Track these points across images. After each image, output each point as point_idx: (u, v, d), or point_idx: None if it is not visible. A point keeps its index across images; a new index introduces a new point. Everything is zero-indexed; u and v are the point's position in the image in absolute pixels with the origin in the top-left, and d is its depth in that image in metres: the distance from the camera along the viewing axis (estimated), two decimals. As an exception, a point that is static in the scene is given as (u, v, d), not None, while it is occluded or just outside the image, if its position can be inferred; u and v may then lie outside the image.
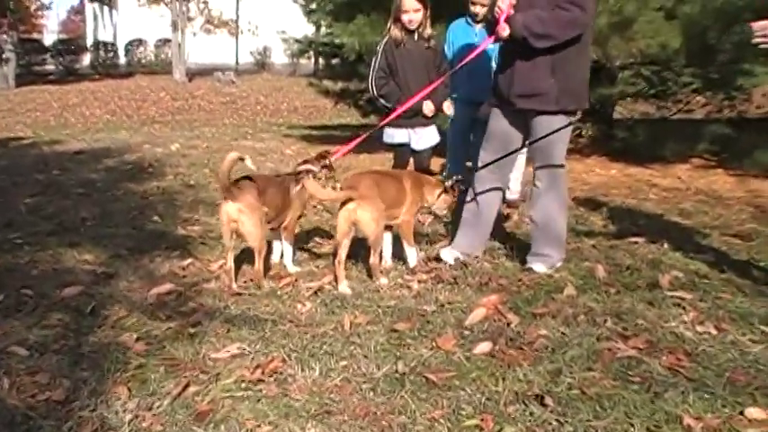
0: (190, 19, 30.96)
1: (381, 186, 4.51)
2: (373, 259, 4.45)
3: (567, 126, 4.58)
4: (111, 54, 33.76)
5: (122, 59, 34.16)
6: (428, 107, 5.49)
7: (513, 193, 6.78)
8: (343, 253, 4.39)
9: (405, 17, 5.43)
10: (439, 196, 4.83)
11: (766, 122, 10.69)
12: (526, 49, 4.44)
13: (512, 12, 4.40)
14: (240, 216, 4.27)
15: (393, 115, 5.26)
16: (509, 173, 5.27)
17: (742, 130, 9.67)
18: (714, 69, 9.76)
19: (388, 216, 4.57)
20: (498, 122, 4.80)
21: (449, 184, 4.83)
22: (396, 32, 5.54)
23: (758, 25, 3.93)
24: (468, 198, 4.95)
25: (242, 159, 4.26)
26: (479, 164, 4.85)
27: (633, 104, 12.99)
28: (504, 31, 4.41)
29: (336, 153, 4.88)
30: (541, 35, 4.36)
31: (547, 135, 4.49)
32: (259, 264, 4.41)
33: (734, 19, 8.31)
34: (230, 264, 4.42)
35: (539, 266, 4.67)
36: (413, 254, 4.75)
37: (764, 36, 3.90)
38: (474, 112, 6.03)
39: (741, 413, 2.84)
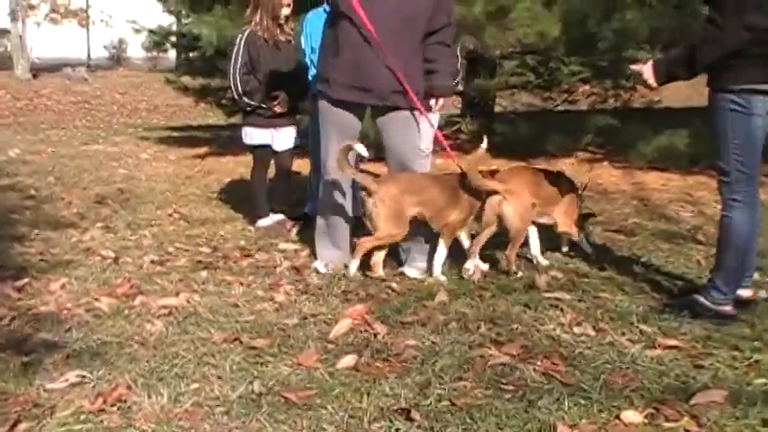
0: (32, 7, 29.79)
1: (537, 184, 4.97)
2: (509, 252, 4.79)
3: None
4: (-63, 48, 32.14)
5: (-48, 54, 32.61)
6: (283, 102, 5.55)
7: None
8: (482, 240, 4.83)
9: (285, 11, 5.47)
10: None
11: (649, 112, 11.19)
12: (404, 43, 4.51)
13: None
14: None
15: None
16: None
17: (627, 121, 10.08)
18: (600, 58, 10.15)
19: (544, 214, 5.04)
20: (334, 122, 4.76)
21: None
22: (272, 28, 5.61)
23: (635, 68, 4.13)
24: (323, 205, 4.98)
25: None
26: (330, 172, 4.84)
27: (518, 96, 13.34)
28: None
29: None
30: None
31: None
32: None
33: (614, 5, 8.68)
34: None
35: (411, 271, 4.76)
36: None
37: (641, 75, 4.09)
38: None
39: (617, 417, 2.94)
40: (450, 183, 4.75)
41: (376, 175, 4.77)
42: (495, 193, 4.73)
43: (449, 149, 4.85)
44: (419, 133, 4.70)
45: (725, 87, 3.78)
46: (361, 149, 4.49)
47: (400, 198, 4.56)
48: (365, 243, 4.65)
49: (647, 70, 4.03)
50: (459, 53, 6.72)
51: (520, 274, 4.77)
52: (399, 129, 4.69)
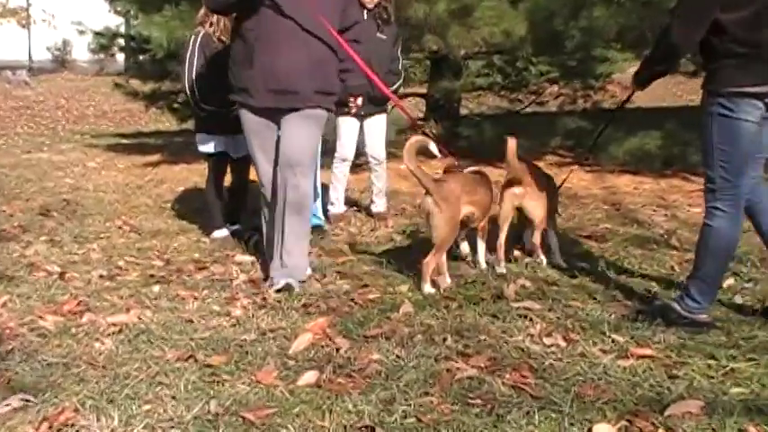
0: (-33, 6, 29.45)
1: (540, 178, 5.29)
2: (535, 240, 5.27)
3: None
4: None
5: None
6: None
7: (378, 206, 6.95)
8: (503, 236, 5.16)
9: None
10: None
11: (621, 113, 11.24)
12: (319, 41, 4.57)
13: None
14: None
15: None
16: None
17: (597, 122, 10.15)
18: (569, 57, 10.25)
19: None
20: (261, 132, 4.83)
21: None
22: (230, 29, 5.64)
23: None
24: (269, 217, 4.97)
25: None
26: (264, 179, 4.93)
27: (484, 98, 13.42)
28: None
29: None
30: None
31: None
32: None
33: (582, 3, 8.76)
34: None
35: (293, 281, 4.73)
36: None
37: None
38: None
39: (589, 430, 2.96)
40: (485, 181, 5.10)
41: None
42: (518, 185, 5.08)
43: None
44: (314, 129, 4.77)
45: (713, 90, 3.84)
46: (434, 149, 4.70)
47: (458, 199, 4.73)
48: (431, 262, 4.69)
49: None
50: (399, 55, 6.78)
51: (544, 258, 5.23)
52: (296, 125, 4.68)
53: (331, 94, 4.75)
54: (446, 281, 4.78)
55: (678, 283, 4.65)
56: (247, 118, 4.77)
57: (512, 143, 4.96)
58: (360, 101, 4.92)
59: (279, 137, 4.76)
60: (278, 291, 4.63)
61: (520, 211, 5.22)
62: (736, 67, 3.75)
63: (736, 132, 3.79)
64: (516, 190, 5.09)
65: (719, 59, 3.79)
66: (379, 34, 6.40)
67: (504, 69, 12.73)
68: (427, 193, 4.65)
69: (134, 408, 3.21)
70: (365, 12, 6.27)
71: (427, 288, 4.66)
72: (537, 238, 5.27)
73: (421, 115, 11.90)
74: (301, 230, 4.80)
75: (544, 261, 5.22)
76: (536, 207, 5.15)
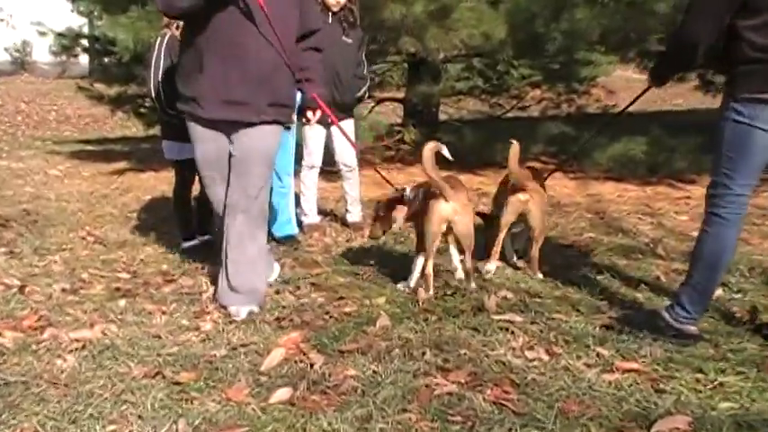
0: None
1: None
2: (534, 253, 5.33)
3: None
4: None
5: None
6: None
7: (353, 215, 7.00)
8: (501, 238, 5.32)
9: None
10: None
11: (605, 118, 11.36)
12: (275, 51, 4.41)
13: None
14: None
15: None
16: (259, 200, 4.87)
17: (581, 128, 10.21)
18: (551, 60, 10.30)
19: None
20: (209, 146, 4.61)
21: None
22: None
23: None
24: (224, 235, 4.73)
25: None
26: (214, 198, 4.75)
27: (464, 103, 13.46)
28: None
29: None
30: None
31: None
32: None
33: (563, 4, 8.81)
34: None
35: (245, 310, 4.58)
36: None
37: None
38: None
39: (574, 447, 2.98)
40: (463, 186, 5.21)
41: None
42: (523, 191, 5.19)
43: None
44: (270, 146, 4.61)
45: (730, 95, 3.87)
46: (446, 152, 4.76)
47: (470, 201, 4.99)
48: (470, 258, 4.93)
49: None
50: (364, 59, 6.79)
51: (540, 275, 5.25)
52: (248, 145, 4.51)
53: (286, 106, 4.59)
54: (421, 293, 4.80)
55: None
56: (195, 130, 4.59)
57: (514, 149, 5.06)
58: (318, 114, 4.89)
59: (230, 153, 4.57)
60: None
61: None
62: (752, 73, 3.77)
63: (747, 140, 3.80)
64: (522, 196, 5.16)
65: (737, 65, 3.82)
66: (344, 38, 6.42)
67: (485, 73, 12.76)
68: (443, 199, 4.72)
69: (98, 428, 3.19)
70: (330, 15, 6.30)
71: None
72: (536, 251, 5.31)
73: (399, 120, 11.92)
74: (256, 255, 4.70)
75: (540, 276, 5.23)
76: (538, 214, 5.25)
